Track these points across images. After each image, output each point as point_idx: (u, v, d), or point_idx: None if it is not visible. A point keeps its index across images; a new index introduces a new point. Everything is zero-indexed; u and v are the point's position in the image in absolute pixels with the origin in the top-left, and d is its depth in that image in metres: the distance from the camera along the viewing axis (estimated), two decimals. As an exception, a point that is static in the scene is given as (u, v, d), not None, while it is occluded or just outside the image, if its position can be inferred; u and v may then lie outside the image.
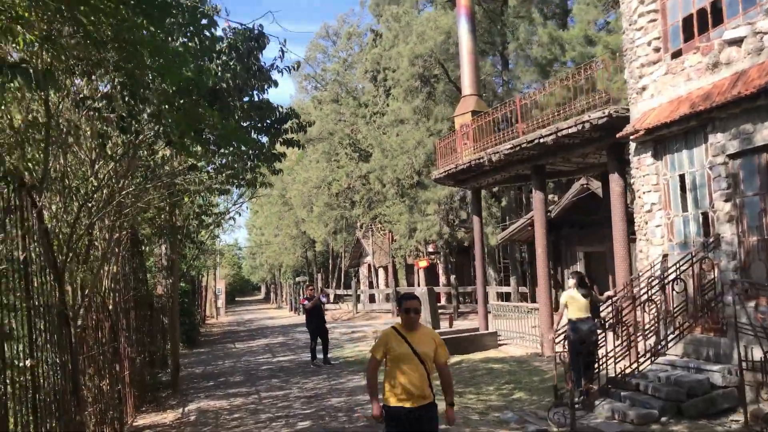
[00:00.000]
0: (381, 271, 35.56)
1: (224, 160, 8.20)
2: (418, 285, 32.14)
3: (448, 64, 23.40)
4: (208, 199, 11.07)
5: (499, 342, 14.48)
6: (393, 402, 4.41)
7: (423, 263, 26.87)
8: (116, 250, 8.76)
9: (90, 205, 7.32)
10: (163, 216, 11.12)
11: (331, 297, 27.01)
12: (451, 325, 17.29)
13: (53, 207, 6.89)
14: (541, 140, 11.31)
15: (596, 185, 20.37)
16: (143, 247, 11.86)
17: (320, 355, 13.47)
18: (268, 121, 7.44)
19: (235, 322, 35.68)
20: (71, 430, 6.23)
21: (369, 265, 37.00)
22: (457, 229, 23.81)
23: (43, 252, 5.93)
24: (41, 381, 5.46)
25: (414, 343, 4.40)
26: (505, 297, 25.12)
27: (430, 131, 23.27)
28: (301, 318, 32.28)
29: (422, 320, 13.78)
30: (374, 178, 24.66)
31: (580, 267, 22.06)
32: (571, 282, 9.20)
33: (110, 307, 8.61)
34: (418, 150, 23.22)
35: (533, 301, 22.68)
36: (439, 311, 17.58)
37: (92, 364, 7.57)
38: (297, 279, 37.32)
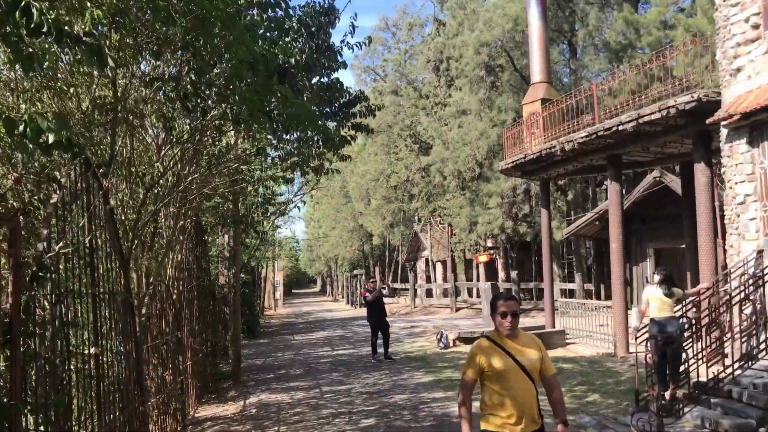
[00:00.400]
0: (439, 266, 35.09)
1: (290, 147, 7.94)
2: (477, 280, 31.51)
3: (514, 53, 22.67)
4: (271, 188, 10.89)
5: (566, 341, 13.83)
6: (495, 430, 3.60)
7: (483, 258, 26.26)
8: (180, 238, 8.64)
9: (156, 191, 7.18)
10: (227, 205, 11.00)
11: (401, 288, 26.50)
12: (515, 322, 16.68)
13: (119, 193, 6.77)
14: (620, 128, 10.62)
15: (670, 178, 19.33)
16: (206, 237, 11.80)
17: (381, 350, 13.16)
18: (336, 105, 7.13)
19: (293, 314, 35.90)
20: (134, 420, 6.08)
21: (426, 259, 36.56)
22: (519, 224, 23.09)
23: (108, 237, 5.78)
24: (105, 370, 5.30)
25: (517, 354, 3.61)
26: (569, 294, 24.25)
27: (493, 122, 22.62)
28: (359, 311, 32.25)
29: (487, 316, 13.09)
30: (435, 170, 24.19)
31: (650, 264, 21.04)
32: (656, 278, 8.56)
33: (174, 296, 8.50)
34: (480, 141, 22.62)
35: (598, 298, 21.80)
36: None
37: (156, 353, 7.45)
38: (354, 272, 37.25)
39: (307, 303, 52.72)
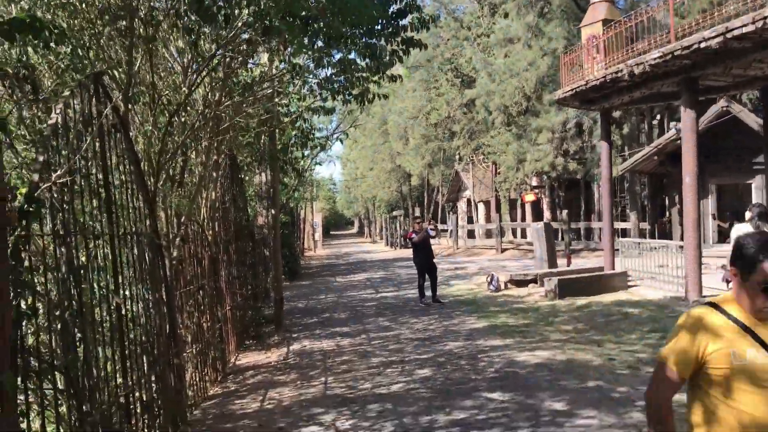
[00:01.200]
0: (481, 206, 34.08)
1: (330, 71, 6.99)
2: (522, 220, 30.47)
3: (566, -27, 20.91)
4: (310, 121, 10.01)
5: (628, 283, 12.87)
6: None
7: (530, 197, 25.15)
8: (214, 175, 7.88)
9: (182, 119, 6.36)
10: (263, 140, 10.20)
11: (441, 229, 25.62)
12: (568, 264, 15.77)
13: (141, 122, 5.98)
14: (702, 45, 9.31)
15: (738, 108, 17.75)
16: (242, 175, 11.07)
17: (428, 293, 12.45)
18: (383, 21, 6.11)
19: (332, 255, 35.60)
20: (168, 373, 5.47)
21: (468, 200, 35.57)
22: (569, 161, 21.82)
23: (130, 170, 5.02)
24: (129, 321, 4.64)
25: None
26: (622, 233, 23.10)
27: (543, 51, 21.10)
28: (399, 253, 31.72)
29: (539, 257, 12.19)
30: (480, 105, 22.90)
31: (711, 201, 19.70)
32: (747, 215, 7.51)
33: (210, 238, 7.81)
34: (529, 72, 21.19)
35: (652, 237, 20.60)
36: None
37: (191, 300, 6.81)
38: (393, 213, 36.53)
39: (346, 244, 52.54)
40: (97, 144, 4.30)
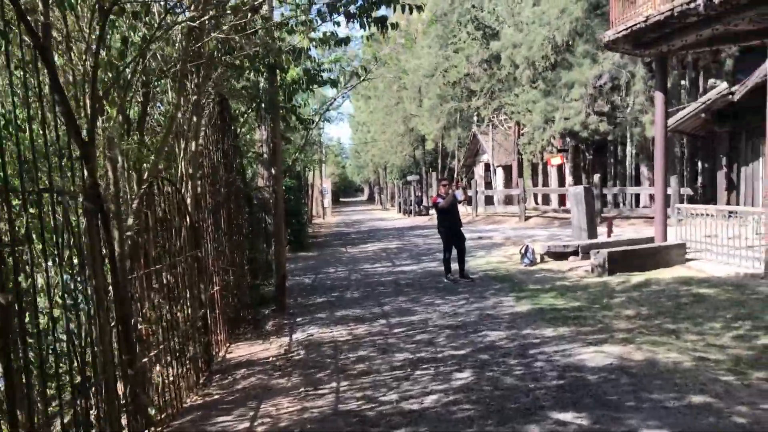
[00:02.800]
0: (500, 171, 32.18)
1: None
2: (545, 185, 28.60)
3: None
4: (317, 61, 8.19)
5: (686, 256, 11.10)
6: None
7: (556, 160, 23.27)
8: (194, 119, 6.13)
9: (138, 34, 4.59)
10: (260, 84, 8.42)
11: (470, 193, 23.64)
12: (609, 234, 13.98)
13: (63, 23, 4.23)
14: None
15: (801, 59, 15.69)
16: (239, 128, 9.30)
17: (454, 265, 10.75)
18: None
19: (342, 222, 33.95)
20: (114, 393, 3.82)
21: (485, 164, 33.66)
22: (602, 119, 19.84)
23: (55, 101, 3.32)
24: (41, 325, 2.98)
25: None
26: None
27: (576, -4, 18.98)
28: (415, 220, 29.93)
29: (576, 226, 10.35)
30: (506, 58, 20.84)
31: (762, 165, 17.76)
32: None
33: (189, 201, 6.11)
34: (561, 20, 19.09)
35: (692, 203, 18.72)
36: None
37: (159, 283, 5.13)
38: (408, 178, 34.65)
39: (356, 211, 50.88)
40: None
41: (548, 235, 17.22)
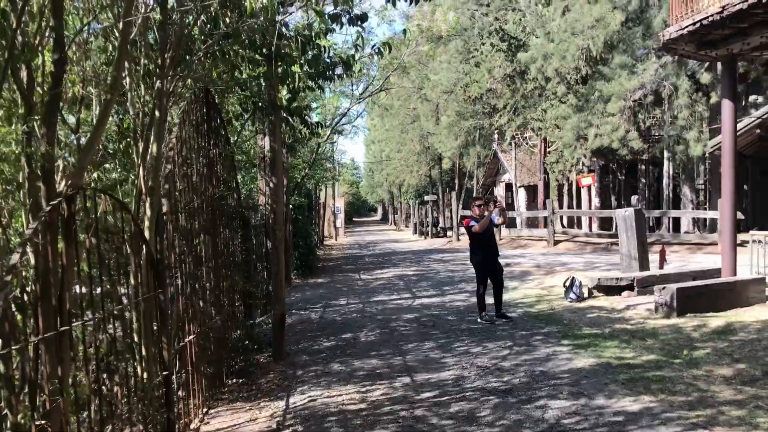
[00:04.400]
0: (522, 192, 30.41)
1: None
2: (571, 207, 26.82)
3: None
4: (328, 49, 6.56)
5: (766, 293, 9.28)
6: None
7: (587, 180, 21.50)
8: (156, 113, 4.49)
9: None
10: (257, 80, 6.82)
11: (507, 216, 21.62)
12: (662, 264, 12.15)
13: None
14: None
15: None
16: (234, 135, 7.67)
17: (489, 299, 9.00)
18: None
19: (355, 243, 32.25)
20: None
21: (507, 184, 31.92)
22: (645, 134, 18.10)
23: None
24: None
25: None
26: (704, 225, 19.41)
27: (613, 3, 17.36)
28: (432, 242, 28.07)
29: (626, 254, 8.45)
30: (535, 69, 19.18)
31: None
32: None
33: (147, 223, 4.45)
34: (595, 30, 17.45)
35: (746, 229, 16.84)
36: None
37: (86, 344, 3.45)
38: (425, 198, 32.93)
39: (370, 232, 49.21)
40: None
41: (584, 263, 15.42)
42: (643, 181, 25.13)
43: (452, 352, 7.24)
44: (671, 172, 20.87)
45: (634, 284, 9.96)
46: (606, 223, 26.42)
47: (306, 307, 11.05)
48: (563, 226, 24.17)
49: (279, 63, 6.65)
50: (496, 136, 31.43)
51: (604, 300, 9.92)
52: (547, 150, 24.12)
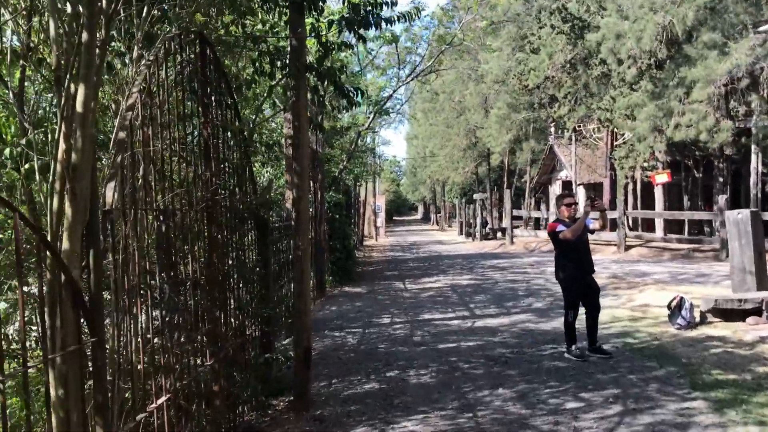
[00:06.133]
0: (581, 190, 27.92)
1: None
2: (635, 207, 24.29)
3: None
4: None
5: None
6: None
7: (662, 177, 19.01)
8: (84, 35, 2.61)
9: None
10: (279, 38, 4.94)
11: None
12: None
13: None
14: None
15: None
16: (245, 107, 5.80)
17: (580, 323, 6.91)
18: None
19: (397, 245, 30.29)
20: None
21: (563, 182, 29.47)
22: (735, 128, 15.62)
23: None
24: None
25: None
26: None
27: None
28: (481, 245, 25.61)
29: (738, 268, 6.00)
30: (606, 51, 16.85)
31: None
32: None
33: (65, 234, 2.58)
34: (682, 6, 15.06)
35: None
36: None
37: None
38: (474, 196, 30.72)
39: (412, 231, 47.18)
40: None
41: (668, 274, 13.14)
42: (720, 180, 22.48)
43: (539, 406, 5.21)
44: (760, 169, 18.26)
45: (763, 307, 7.72)
46: (674, 227, 23.84)
47: (342, 326, 9.14)
48: (630, 229, 21.71)
49: (307, 6, 4.76)
50: (552, 129, 29.07)
51: (722, 327, 7.72)
52: (614, 144, 21.71)
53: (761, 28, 15.05)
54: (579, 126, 23.05)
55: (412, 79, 17.27)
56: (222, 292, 4.78)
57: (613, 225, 18.97)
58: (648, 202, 24.59)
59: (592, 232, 6.77)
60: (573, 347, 6.64)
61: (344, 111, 6.79)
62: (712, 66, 14.74)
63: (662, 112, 16.42)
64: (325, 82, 5.23)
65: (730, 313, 7.92)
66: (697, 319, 7.94)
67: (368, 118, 16.48)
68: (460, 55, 23.38)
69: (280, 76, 5.40)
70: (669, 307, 8.04)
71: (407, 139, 60.64)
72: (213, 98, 4.75)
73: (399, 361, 6.84)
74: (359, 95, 5.44)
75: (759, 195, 18.48)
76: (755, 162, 18.33)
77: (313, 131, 7.63)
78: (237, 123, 5.29)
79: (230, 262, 5.05)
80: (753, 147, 17.96)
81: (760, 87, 14.98)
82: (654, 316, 8.72)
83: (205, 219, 4.49)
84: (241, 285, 5.38)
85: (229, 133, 5.03)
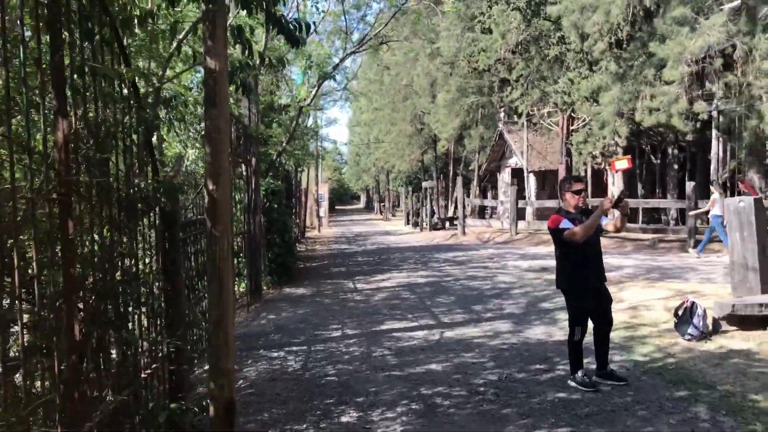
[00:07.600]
0: (532, 178, 26.93)
1: None
2: (588, 196, 23.39)
3: None
4: None
5: None
6: None
7: (622, 163, 17.80)
8: None
9: None
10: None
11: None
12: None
13: None
14: None
15: None
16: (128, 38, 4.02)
17: (587, 337, 5.45)
18: None
19: (342, 236, 28.59)
20: None
21: (513, 170, 28.41)
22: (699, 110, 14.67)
23: None
24: None
25: None
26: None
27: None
28: (430, 236, 23.89)
29: (739, 263, 5.78)
30: (569, 25, 15.59)
31: None
32: None
33: None
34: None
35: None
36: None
37: None
38: (423, 184, 29.27)
39: (356, 221, 45.52)
40: None
41: (641, 267, 12.03)
42: (676, 167, 21.84)
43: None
44: (721, 156, 17.50)
45: (788, 315, 6.50)
46: (633, 217, 23.12)
47: (281, 342, 7.42)
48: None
49: None
50: (502, 114, 27.96)
51: (741, 338, 6.45)
52: (571, 129, 20.66)
53: (728, 5, 14.17)
54: (532, 110, 21.90)
55: (362, 46, 15.60)
56: (91, 324, 3.05)
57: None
58: (599, 191, 23.78)
59: (601, 231, 5.29)
60: (579, 372, 5.17)
61: (280, 67, 5.12)
62: (684, 43, 13.70)
63: (628, 95, 15.37)
64: (254, 10, 3.52)
65: (749, 321, 6.67)
66: (710, 327, 6.65)
67: (311, 91, 14.70)
68: (416, 20, 21.84)
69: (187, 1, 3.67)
70: (676, 314, 6.73)
71: (350, 127, 58.84)
72: (73, 26, 3.01)
73: (357, 397, 5.21)
74: (302, 29, 3.76)
75: (720, 182, 17.74)
76: (716, 148, 17.57)
77: (243, 93, 5.91)
78: (123, 70, 3.56)
79: (109, 274, 3.31)
80: (714, 132, 17.21)
81: (734, 66, 14.06)
82: (652, 322, 7.42)
83: (55, 210, 2.77)
84: (130, 308, 3.65)
85: (104, 81, 3.28)
